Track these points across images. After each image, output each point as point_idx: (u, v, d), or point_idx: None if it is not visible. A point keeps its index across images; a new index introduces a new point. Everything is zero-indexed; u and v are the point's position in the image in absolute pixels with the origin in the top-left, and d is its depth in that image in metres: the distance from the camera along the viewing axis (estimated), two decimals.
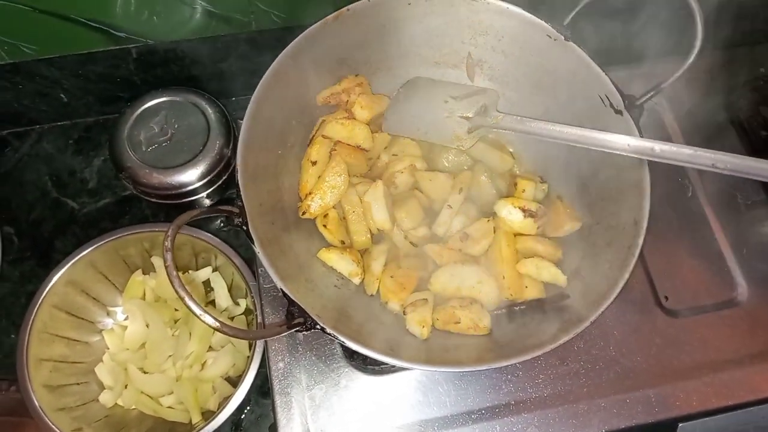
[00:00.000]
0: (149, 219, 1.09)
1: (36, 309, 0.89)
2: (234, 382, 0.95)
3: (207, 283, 1.01)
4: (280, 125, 0.85)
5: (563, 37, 0.83)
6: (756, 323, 0.95)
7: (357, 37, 0.88)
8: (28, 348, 0.87)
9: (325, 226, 0.85)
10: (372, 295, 0.85)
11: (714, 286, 0.99)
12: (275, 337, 0.90)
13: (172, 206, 1.02)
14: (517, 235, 0.86)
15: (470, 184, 0.89)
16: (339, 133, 0.88)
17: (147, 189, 0.97)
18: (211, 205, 1.05)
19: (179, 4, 0.94)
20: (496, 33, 0.90)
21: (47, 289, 0.90)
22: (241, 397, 0.87)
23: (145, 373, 0.95)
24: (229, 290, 1.00)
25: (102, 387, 0.95)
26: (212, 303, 1.01)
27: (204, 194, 1.01)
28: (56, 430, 0.83)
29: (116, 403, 0.94)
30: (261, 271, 0.93)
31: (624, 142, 0.72)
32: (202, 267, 1.02)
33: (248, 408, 0.95)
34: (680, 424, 0.87)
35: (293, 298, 0.68)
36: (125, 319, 1.00)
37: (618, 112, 0.80)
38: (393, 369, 0.89)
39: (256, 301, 0.92)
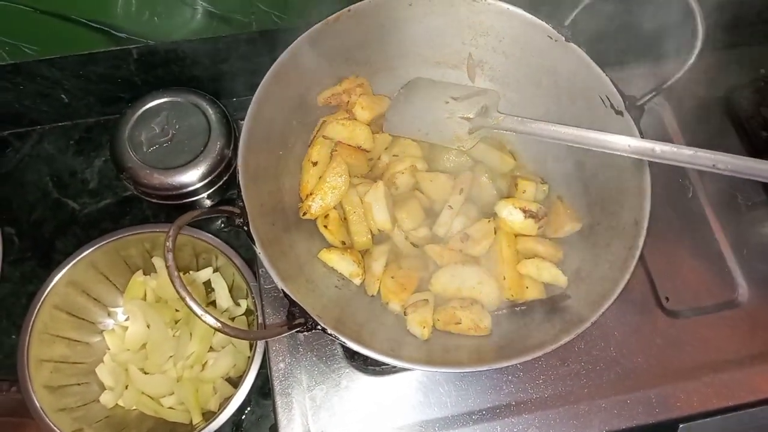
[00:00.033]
0: (150, 219, 1.09)
1: (37, 309, 0.89)
2: (235, 382, 0.95)
3: (208, 284, 1.01)
4: (280, 126, 0.85)
5: (564, 38, 0.83)
6: (756, 324, 0.95)
7: (358, 37, 0.89)
8: (28, 348, 0.87)
9: (325, 226, 0.86)
10: (373, 296, 0.85)
11: (715, 286, 0.99)
12: (276, 338, 0.90)
13: (172, 207, 1.02)
14: (517, 235, 0.86)
15: (471, 184, 0.89)
16: (340, 133, 0.88)
17: (148, 189, 0.97)
18: (212, 206, 1.05)
19: (180, 5, 0.94)
20: (497, 34, 0.90)
21: (48, 290, 0.90)
22: (241, 398, 0.87)
23: (145, 373, 0.95)
24: (230, 291, 1.00)
25: (103, 387, 0.95)
26: (213, 304, 1.01)
27: (205, 195, 1.01)
28: (57, 430, 0.83)
29: (117, 404, 0.94)
30: (262, 271, 0.93)
31: (624, 142, 0.72)
32: (203, 268, 1.02)
33: (249, 408, 0.95)
34: (681, 425, 0.87)
35: (294, 299, 0.68)
36: (126, 319, 1.00)
37: (618, 112, 0.80)
38: (394, 370, 0.89)
39: (256, 302, 0.92)
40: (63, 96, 1.08)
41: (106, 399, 0.93)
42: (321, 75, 0.89)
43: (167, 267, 0.62)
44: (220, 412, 0.86)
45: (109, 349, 0.98)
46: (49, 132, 1.15)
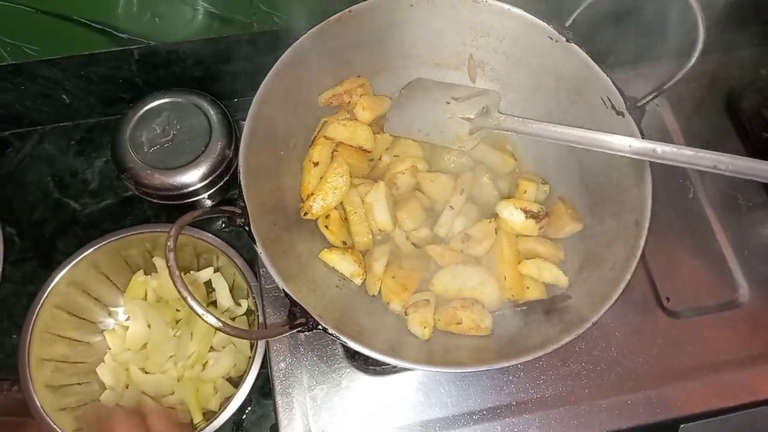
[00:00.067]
0: (151, 220, 1.09)
1: (38, 309, 0.89)
2: (235, 382, 0.95)
3: (209, 284, 1.02)
4: (282, 126, 0.85)
5: (565, 39, 0.83)
6: (757, 324, 0.95)
7: (359, 38, 0.89)
8: (29, 348, 0.87)
9: (326, 226, 0.86)
10: (374, 296, 0.85)
11: (715, 287, 0.99)
12: (277, 338, 0.90)
13: (173, 207, 1.02)
14: (518, 236, 0.86)
15: (472, 185, 0.89)
16: (341, 134, 0.88)
17: (149, 190, 0.98)
18: (213, 206, 1.05)
19: (181, 6, 0.95)
20: (498, 34, 0.90)
21: (49, 290, 0.90)
22: (242, 398, 0.87)
23: (146, 373, 0.95)
24: (231, 291, 1.00)
25: (103, 387, 0.95)
26: (214, 303, 1.01)
27: (205, 195, 1.01)
28: (58, 430, 0.84)
29: (117, 404, 0.94)
30: (263, 271, 0.94)
31: (625, 143, 0.72)
32: (204, 268, 1.02)
33: (249, 408, 0.95)
34: (682, 425, 0.87)
35: (295, 299, 0.68)
36: (127, 319, 1.00)
37: (619, 113, 0.80)
38: (394, 370, 0.89)
39: (257, 302, 0.92)
40: (64, 96, 1.09)
41: (107, 398, 0.93)
42: (322, 75, 0.89)
43: (168, 266, 0.62)
44: (221, 412, 0.86)
45: (109, 348, 0.98)
46: (50, 132, 1.15)
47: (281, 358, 0.89)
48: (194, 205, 1.02)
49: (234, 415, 0.86)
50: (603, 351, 0.91)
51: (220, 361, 0.95)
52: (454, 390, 0.88)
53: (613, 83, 0.81)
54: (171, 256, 0.62)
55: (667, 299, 0.96)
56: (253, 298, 0.93)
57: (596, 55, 0.83)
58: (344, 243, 0.86)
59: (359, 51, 0.91)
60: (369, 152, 0.92)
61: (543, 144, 0.81)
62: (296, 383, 0.87)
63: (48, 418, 0.84)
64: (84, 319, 0.97)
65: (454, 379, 0.88)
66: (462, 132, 0.87)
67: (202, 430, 0.85)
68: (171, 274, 0.61)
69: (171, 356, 0.96)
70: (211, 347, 0.97)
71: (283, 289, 0.69)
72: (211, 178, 0.98)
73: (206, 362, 0.96)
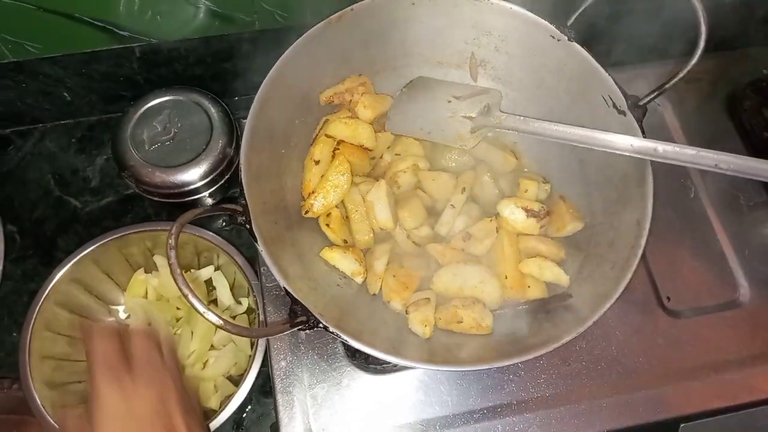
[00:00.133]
0: (152, 218, 1.09)
1: (38, 307, 0.89)
2: (236, 381, 0.95)
3: (209, 282, 1.01)
4: (283, 124, 0.85)
5: (566, 38, 0.83)
6: (758, 324, 0.95)
7: (360, 36, 0.89)
8: (30, 346, 0.87)
9: (327, 225, 0.86)
10: (374, 295, 0.85)
11: (716, 287, 0.99)
12: (277, 336, 0.90)
13: (174, 205, 1.02)
14: (519, 234, 0.86)
15: (473, 183, 0.89)
16: (342, 132, 0.88)
17: (149, 188, 0.98)
18: (213, 204, 1.05)
19: (183, 4, 0.95)
20: (500, 33, 0.90)
21: (49, 287, 0.90)
22: (242, 396, 0.87)
23: None
24: (231, 289, 1.00)
25: None
26: (214, 302, 1.01)
27: (206, 193, 1.01)
28: (58, 428, 0.83)
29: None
30: (263, 270, 0.94)
31: (627, 142, 0.72)
32: (205, 266, 1.02)
33: (250, 407, 0.95)
34: (682, 425, 0.87)
35: (296, 297, 0.68)
36: (127, 317, 1.00)
37: (621, 112, 0.80)
38: (395, 368, 0.89)
39: (258, 300, 0.92)
40: (65, 94, 1.09)
41: None
42: (323, 74, 0.89)
43: (170, 264, 0.62)
44: (221, 411, 0.86)
45: None
46: (51, 130, 1.15)
47: (282, 356, 0.89)
48: (195, 204, 1.02)
49: (234, 413, 0.86)
50: (603, 350, 0.91)
51: (221, 360, 0.95)
52: (455, 389, 0.88)
53: (615, 82, 0.81)
54: (172, 253, 0.62)
55: (668, 299, 0.96)
56: (254, 296, 0.93)
57: (598, 54, 0.83)
58: (345, 241, 0.86)
59: (361, 49, 0.91)
60: (370, 151, 0.91)
61: (544, 143, 0.80)
62: (297, 382, 0.87)
63: (48, 416, 0.84)
64: (85, 317, 0.97)
65: (454, 377, 0.88)
66: (463, 131, 0.87)
67: None
68: (172, 272, 0.61)
69: None
70: (212, 346, 0.97)
71: (284, 288, 0.69)
72: (212, 176, 0.98)
73: (207, 361, 0.96)
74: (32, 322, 0.88)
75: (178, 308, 1.00)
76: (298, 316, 0.68)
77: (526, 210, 0.84)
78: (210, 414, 0.87)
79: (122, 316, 1.01)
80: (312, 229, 0.87)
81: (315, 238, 0.86)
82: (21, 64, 0.99)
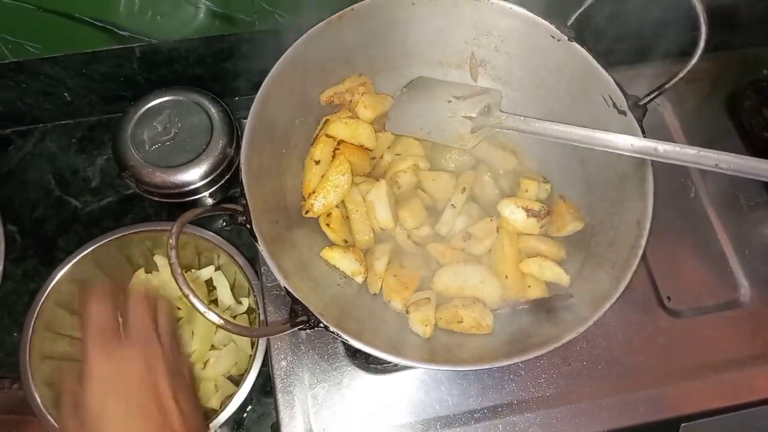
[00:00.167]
0: (152, 218, 1.09)
1: (39, 307, 0.89)
2: (236, 380, 0.95)
3: (209, 282, 1.01)
4: (283, 124, 0.85)
5: (567, 38, 0.83)
6: (758, 324, 0.95)
7: (360, 36, 0.89)
8: (30, 346, 0.87)
9: (328, 225, 0.86)
10: (375, 294, 0.85)
11: (716, 286, 0.99)
12: (278, 336, 0.90)
13: (174, 205, 1.02)
14: (520, 234, 0.86)
15: (473, 183, 0.89)
16: (342, 132, 0.88)
17: (150, 188, 0.98)
18: (214, 204, 1.05)
19: (183, 4, 0.95)
20: (500, 33, 0.90)
21: (50, 287, 0.90)
22: (243, 396, 0.87)
23: None
24: (232, 289, 1.00)
25: None
26: (215, 302, 1.01)
27: (206, 193, 1.01)
28: (58, 428, 0.83)
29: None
30: (264, 269, 0.94)
31: (627, 142, 0.72)
32: (205, 266, 1.02)
33: (250, 407, 0.96)
34: (683, 424, 0.87)
35: (296, 296, 0.68)
36: None
37: (621, 112, 0.80)
38: (395, 368, 0.89)
39: (258, 300, 0.92)
40: (66, 94, 1.09)
41: None
42: (323, 74, 0.89)
43: (170, 264, 0.62)
44: (222, 410, 0.86)
45: None
46: (51, 130, 1.15)
47: (282, 356, 0.89)
48: (195, 204, 1.02)
49: (235, 413, 0.86)
50: (604, 350, 0.91)
51: (221, 360, 0.95)
52: (455, 388, 0.88)
53: (615, 82, 0.81)
54: (173, 253, 0.62)
55: (668, 298, 0.96)
56: (254, 296, 0.93)
57: (598, 54, 0.83)
58: (345, 241, 0.86)
59: (361, 49, 0.91)
60: (370, 150, 0.91)
61: (545, 143, 0.81)
62: (297, 381, 0.87)
63: (49, 416, 0.84)
64: None
65: (455, 377, 0.88)
66: (463, 130, 0.87)
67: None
68: (173, 272, 0.62)
69: None
70: (212, 346, 0.97)
71: (284, 287, 0.69)
72: (212, 176, 0.98)
73: (207, 361, 0.96)
74: (32, 322, 0.88)
75: (178, 308, 0.99)
76: (298, 315, 0.68)
77: (527, 210, 0.84)
78: (210, 414, 0.87)
79: None
80: (312, 229, 0.87)
81: (315, 238, 0.86)
82: (21, 64, 0.99)
